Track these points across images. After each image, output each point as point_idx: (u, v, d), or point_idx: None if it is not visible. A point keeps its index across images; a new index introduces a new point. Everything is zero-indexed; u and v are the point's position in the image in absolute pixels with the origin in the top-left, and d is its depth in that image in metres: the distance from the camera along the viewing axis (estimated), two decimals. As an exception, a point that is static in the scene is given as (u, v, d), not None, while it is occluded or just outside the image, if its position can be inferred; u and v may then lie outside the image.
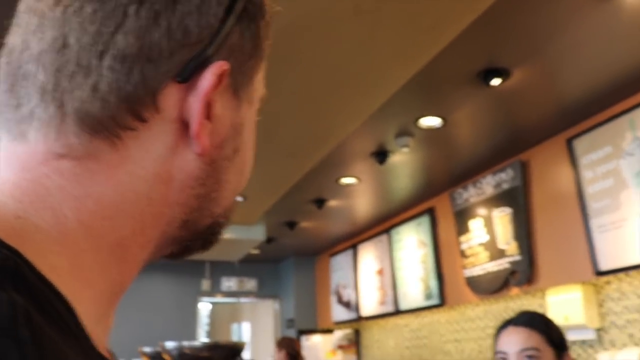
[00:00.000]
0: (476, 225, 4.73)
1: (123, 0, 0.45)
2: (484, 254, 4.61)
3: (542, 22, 2.69)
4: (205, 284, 7.99)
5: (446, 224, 5.22)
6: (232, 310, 10.54)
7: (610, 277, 3.69)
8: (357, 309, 6.74)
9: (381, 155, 4.21)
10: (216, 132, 0.48)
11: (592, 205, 3.65)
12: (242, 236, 5.87)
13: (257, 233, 5.95)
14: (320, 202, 5.36)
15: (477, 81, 3.18)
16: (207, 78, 0.46)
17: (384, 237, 6.19)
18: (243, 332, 10.45)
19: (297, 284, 8.09)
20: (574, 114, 3.71)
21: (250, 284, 8.41)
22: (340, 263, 7.27)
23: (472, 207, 4.80)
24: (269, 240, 6.54)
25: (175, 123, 0.47)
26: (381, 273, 6.22)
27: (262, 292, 8.53)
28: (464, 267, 4.85)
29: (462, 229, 4.91)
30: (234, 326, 10.67)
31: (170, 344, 2.94)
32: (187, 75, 0.46)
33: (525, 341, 1.68)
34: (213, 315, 8.93)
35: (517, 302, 4.62)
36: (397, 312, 5.89)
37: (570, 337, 3.71)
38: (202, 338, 7.99)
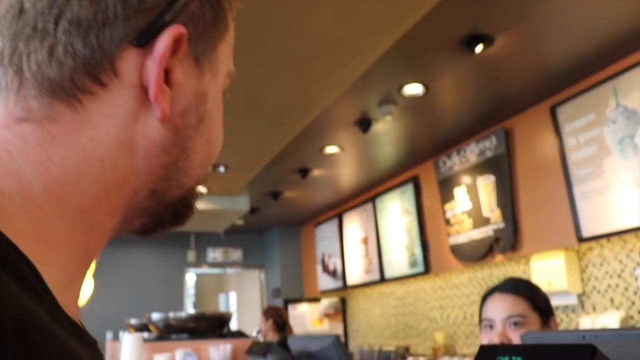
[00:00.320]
0: (460, 193, 4.74)
1: None
2: (468, 222, 4.63)
3: (526, -13, 2.65)
4: (191, 255, 7.99)
5: (430, 192, 5.22)
6: (218, 280, 10.57)
7: (592, 244, 3.73)
8: (343, 277, 6.77)
9: (364, 123, 4.18)
10: (178, 99, 0.49)
11: (576, 172, 3.65)
12: (226, 207, 5.84)
13: (241, 203, 5.92)
14: (304, 172, 5.33)
15: (460, 48, 3.14)
16: (163, 41, 0.47)
17: (368, 206, 6.20)
18: (230, 302, 10.50)
19: (282, 254, 8.11)
20: (558, 81, 3.69)
21: (236, 254, 8.42)
22: (325, 232, 7.28)
23: (456, 175, 4.80)
24: (253, 210, 6.52)
25: (136, 89, 0.48)
26: (366, 242, 6.24)
27: (248, 262, 8.54)
28: (449, 234, 4.87)
29: (446, 197, 4.92)
30: (221, 296, 10.71)
31: (156, 315, 2.94)
32: (144, 40, 0.47)
33: (511, 308, 1.68)
34: (199, 286, 8.94)
35: (501, 269, 4.66)
36: (383, 280, 5.92)
37: (553, 302, 3.75)
38: (189, 309, 8.00)
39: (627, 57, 3.37)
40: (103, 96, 0.47)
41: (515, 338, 1.65)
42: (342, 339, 6.96)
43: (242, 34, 2.99)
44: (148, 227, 0.54)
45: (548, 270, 3.94)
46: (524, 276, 4.39)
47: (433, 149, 4.95)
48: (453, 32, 3.02)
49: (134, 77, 0.47)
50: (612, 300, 3.69)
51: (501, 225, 4.28)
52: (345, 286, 6.75)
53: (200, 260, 8.17)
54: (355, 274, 6.49)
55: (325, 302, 7.24)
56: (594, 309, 3.82)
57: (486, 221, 4.43)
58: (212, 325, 2.96)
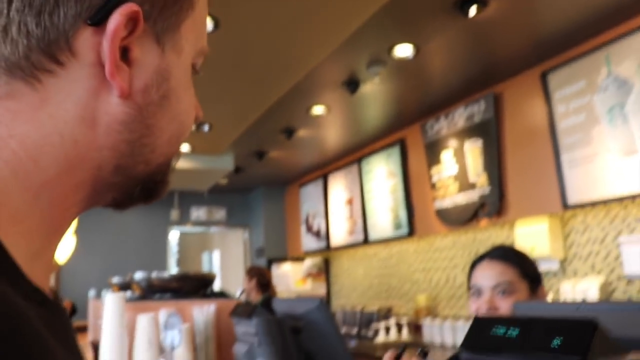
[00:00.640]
0: (447, 157, 4.72)
1: None
2: (454, 186, 4.62)
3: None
4: (175, 214, 7.94)
5: (416, 156, 5.20)
6: (202, 239, 10.57)
7: (576, 210, 3.74)
8: (327, 238, 6.78)
9: (352, 84, 4.11)
10: (138, 76, 0.51)
11: (564, 139, 3.64)
12: (210, 166, 5.78)
13: (225, 163, 5.87)
14: (289, 132, 5.27)
15: (453, 10, 3.07)
16: (115, 19, 0.47)
17: (354, 168, 6.17)
18: (214, 261, 10.52)
19: (266, 214, 8.10)
20: (550, 47, 3.64)
21: (220, 213, 8.39)
22: (310, 193, 7.27)
23: (443, 139, 4.78)
24: (238, 170, 6.47)
25: (95, 67, 0.49)
26: (351, 203, 6.24)
27: (232, 222, 8.53)
28: (434, 198, 4.87)
29: (432, 160, 4.90)
30: (205, 255, 10.73)
31: (138, 275, 2.91)
32: (98, 19, 0.47)
33: (499, 275, 1.67)
34: (183, 244, 8.93)
35: (485, 233, 4.68)
36: (367, 241, 5.94)
37: (535, 268, 3.78)
38: (173, 268, 8.00)
39: (621, 24, 3.32)
40: (62, 74, 0.48)
41: (503, 306, 1.64)
42: (325, 299, 7.03)
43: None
44: (119, 201, 0.56)
45: (531, 236, 3.96)
46: (507, 241, 4.42)
47: (421, 112, 4.91)
48: (447, -7, 2.94)
49: (91, 56, 0.48)
50: (593, 266, 3.73)
51: (487, 190, 4.28)
52: (329, 247, 6.77)
53: (183, 219, 8.13)
54: (339, 235, 6.50)
55: (309, 262, 7.28)
56: (575, 274, 3.86)
57: (472, 186, 4.42)
58: (195, 286, 2.94)
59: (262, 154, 6.07)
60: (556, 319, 0.90)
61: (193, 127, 0.63)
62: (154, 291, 2.88)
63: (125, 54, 0.49)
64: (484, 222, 4.40)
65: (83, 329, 4.37)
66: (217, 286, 5.02)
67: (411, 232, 5.24)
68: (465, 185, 4.49)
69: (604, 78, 3.38)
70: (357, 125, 5.36)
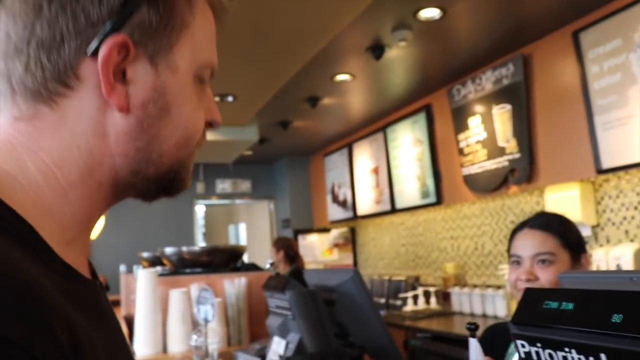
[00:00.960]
0: (474, 123, 4.62)
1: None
2: (482, 152, 4.53)
3: None
4: (200, 187, 7.96)
5: (443, 122, 5.10)
6: (228, 212, 10.61)
7: (609, 175, 3.64)
8: (353, 208, 6.75)
9: (377, 50, 4.02)
10: (135, 93, 0.61)
11: (597, 101, 3.52)
12: (234, 137, 5.75)
13: (250, 134, 5.83)
14: (314, 101, 5.21)
15: (482, -31, 2.96)
16: (103, 49, 0.58)
17: (379, 136, 6.09)
18: (240, 233, 10.57)
19: (291, 184, 8.08)
20: (582, 5, 3.51)
21: (245, 185, 8.39)
22: (335, 162, 7.22)
23: (470, 104, 4.67)
24: (262, 140, 6.43)
25: (98, 88, 0.60)
26: (377, 172, 6.18)
27: (257, 193, 8.53)
28: (462, 165, 4.79)
29: (460, 126, 4.80)
30: (231, 228, 10.78)
31: (169, 250, 2.91)
32: (94, 50, 0.58)
33: (539, 245, 1.62)
34: (209, 217, 8.97)
35: (514, 200, 4.60)
36: (394, 210, 5.89)
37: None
38: (200, 241, 8.06)
39: (658, -23, 3.18)
40: (73, 96, 0.60)
41: (543, 276, 1.59)
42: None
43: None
44: (141, 195, 0.68)
45: (562, 202, 3.87)
46: (537, 208, 4.34)
47: (447, 76, 4.80)
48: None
49: (94, 79, 0.59)
50: (626, 233, 3.65)
51: (517, 155, 4.19)
52: (355, 216, 6.74)
53: (209, 192, 8.15)
54: (366, 204, 6.46)
55: (335, 232, 7.26)
56: (608, 241, 3.78)
57: (501, 151, 4.33)
58: (225, 259, 2.94)
59: (286, 123, 6.03)
60: (615, 292, 0.84)
61: (215, 128, 0.73)
62: (184, 265, 2.88)
63: (123, 75, 0.60)
64: (513, 188, 4.31)
65: (116, 304, 4.43)
66: (244, 258, 5.03)
67: (439, 200, 5.18)
68: (494, 151, 4.40)
69: (641, 35, 3.25)
70: (382, 92, 5.27)
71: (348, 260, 7.20)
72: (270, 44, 3.71)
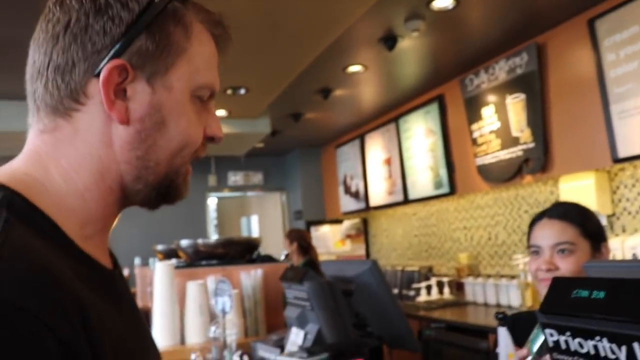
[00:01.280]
0: (488, 113, 4.60)
1: (57, 29, 0.70)
2: (496, 142, 4.51)
3: None
4: (212, 180, 7.97)
5: (456, 112, 5.08)
6: (240, 204, 10.63)
7: (625, 164, 3.61)
8: (365, 199, 6.74)
9: (390, 40, 4.00)
10: (134, 109, 0.71)
11: (614, 89, 3.49)
12: (247, 130, 5.74)
13: (262, 126, 5.82)
14: (326, 92, 5.19)
15: (497, -43, 2.93)
16: (104, 71, 0.69)
17: (391, 127, 6.07)
18: (252, 225, 10.58)
19: (303, 176, 8.08)
20: (597, -8, 3.47)
21: (257, 177, 8.40)
22: (347, 154, 7.21)
23: (483, 94, 4.64)
24: (274, 133, 6.42)
25: (103, 104, 0.70)
26: (389, 163, 6.16)
27: (269, 185, 8.53)
28: (476, 155, 4.76)
29: (473, 116, 4.78)
30: (243, 220, 10.79)
31: (185, 242, 2.92)
32: (99, 72, 0.69)
33: (559, 234, 1.60)
34: (221, 210, 8.99)
35: (528, 189, 4.58)
36: (406, 201, 5.88)
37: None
38: (212, 234, 8.07)
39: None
40: (84, 111, 0.71)
41: (564, 265, 1.58)
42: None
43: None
44: (145, 203, 0.78)
45: (577, 191, 3.85)
46: (551, 198, 4.31)
47: (460, 66, 4.77)
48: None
49: (100, 97, 0.69)
50: (643, 221, 3.62)
51: (531, 145, 4.16)
52: (367, 207, 6.73)
53: (221, 185, 8.15)
54: (378, 195, 6.45)
55: (347, 224, 7.26)
56: (624, 230, 3.75)
57: (515, 141, 4.30)
58: (240, 251, 2.94)
59: (298, 115, 6.01)
60: (648, 280, 0.83)
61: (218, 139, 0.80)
62: (200, 258, 2.89)
63: (124, 93, 0.70)
64: (527, 178, 4.29)
65: (131, 296, 4.44)
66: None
67: (452, 191, 5.16)
68: (507, 141, 4.38)
69: (658, 23, 3.21)
70: (394, 82, 5.24)
71: (360, 251, 7.20)
72: (283, 36, 3.70)
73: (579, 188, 3.85)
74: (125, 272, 5.96)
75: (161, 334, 2.47)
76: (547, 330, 0.89)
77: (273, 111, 5.76)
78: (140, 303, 3.90)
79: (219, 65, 0.80)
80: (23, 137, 0.75)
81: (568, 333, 0.86)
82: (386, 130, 6.19)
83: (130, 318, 0.77)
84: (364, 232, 7.28)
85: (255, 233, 10.19)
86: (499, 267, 4.94)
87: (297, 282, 2.00)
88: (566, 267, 1.57)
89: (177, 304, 2.51)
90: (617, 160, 3.51)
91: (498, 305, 4.43)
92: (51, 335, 0.54)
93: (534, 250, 1.66)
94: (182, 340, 2.54)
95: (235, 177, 8.24)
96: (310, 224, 7.66)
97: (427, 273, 5.58)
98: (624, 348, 0.77)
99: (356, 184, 6.96)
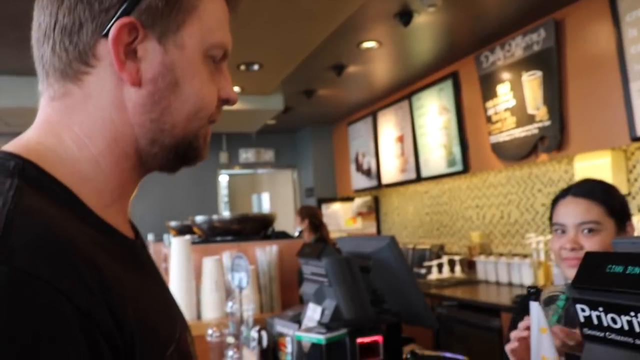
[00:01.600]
0: (503, 90, 4.55)
1: None
2: (511, 120, 4.46)
3: None
4: (223, 157, 7.97)
5: (470, 89, 5.03)
6: (251, 181, 10.63)
7: (641, 143, 3.57)
8: (377, 176, 6.73)
9: (405, 16, 3.95)
10: (145, 69, 0.68)
11: (634, 66, 3.43)
12: (259, 106, 5.72)
13: (275, 103, 5.79)
14: (339, 69, 5.15)
15: None
16: (112, 30, 0.66)
17: (404, 104, 6.03)
18: (263, 202, 10.59)
19: (315, 153, 8.06)
20: (619, -34, 3.40)
21: (268, 154, 8.39)
22: (359, 131, 7.17)
23: (499, 71, 4.59)
24: (286, 109, 6.40)
25: (113, 66, 0.67)
26: (402, 140, 6.13)
27: (280, 163, 8.52)
28: (490, 133, 4.72)
29: (488, 94, 4.73)
30: (254, 197, 10.81)
31: (200, 218, 2.92)
32: (107, 31, 0.66)
33: (584, 214, 1.57)
34: (232, 187, 9.00)
35: (542, 168, 4.55)
36: (419, 179, 5.85)
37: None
38: (223, 211, 8.09)
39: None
40: (94, 74, 0.68)
41: (588, 245, 1.55)
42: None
43: None
44: (164, 167, 0.75)
45: (592, 170, 3.81)
46: (565, 177, 4.28)
47: (475, 43, 4.71)
48: None
49: (109, 58, 0.67)
50: (660, 200, 3.59)
51: (547, 123, 4.12)
52: (379, 185, 6.72)
53: (232, 162, 8.16)
54: (390, 172, 6.43)
55: (359, 201, 7.26)
56: (639, 210, 3.72)
57: (531, 119, 4.26)
58: (256, 227, 2.94)
59: (311, 92, 5.98)
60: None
61: (231, 106, 0.79)
62: (215, 234, 2.89)
63: (135, 54, 0.67)
64: (542, 156, 4.25)
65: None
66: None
67: (466, 169, 5.13)
68: (523, 118, 4.33)
69: (681, -2, 3.15)
70: (408, 59, 5.19)
71: (372, 229, 7.20)
72: (297, 11, 3.66)
73: (595, 167, 3.81)
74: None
75: (177, 309, 2.47)
76: (579, 306, 0.88)
77: (285, 88, 5.73)
78: (154, 278, 3.93)
79: (232, 38, 0.77)
80: (35, 113, 0.73)
81: (601, 308, 0.85)
82: (399, 107, 6.15)
83: (155, 288, 0.73)
84: (375, 210, 7.27)
85: (266, 210, 10.20)
86: (511, 246, 4.93)
87: (315, 258, 1.99)
88: (591, 246, 1.55)
89: (193, 279, 2.51)
90: (635, 139, 3.47)
91: (510, 284, 4.42)
92: (67, 303, 0.52)
93: (557, 229, 1.63)
94: (199, 316, 2.55)
95: (246, 154, 8.23)
96: (322, 201, 7.65)
97: (438, 251, 5.58)
98: (660, 324, 0.76)
99: (368, 162, 6.94)
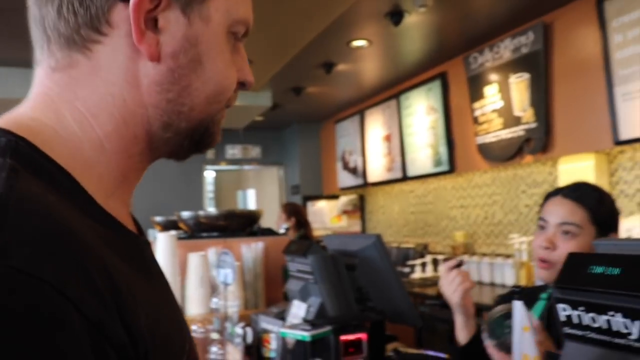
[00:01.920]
0: (491, 91, 4.58)
1: None
2: (497, 121, 4.50)
3: None
4: (209, 152, 7.95)
5: (458, 90, 5.06)
6: (237, 177, 10.61)
7: (625, 147, 3.61)
8: (363, 175, 6.75)
9: (396, 15, 3.96)
10: (166, 42, 0.59)
11: (619, 71, 3.47)
12: (247, 103, 5.71)
13: (263, 99, 5.79)
14: (328, 67, 5.16)
15: None
16: None
17: (392, 103, 6.05)
18: (249, 199, 10.58)
19: (302, 151, 8.07)
20: (607, -28, 3.44)
21: (255, 151, 8.38)
22: (346, 129, 7.19)
23: (487, 72, 4.62)
24: (274, 106, 6.40)
25: (129, 36, 0.58)
26: (388, 139, 6.16)
27: (267, 159, 8.52)
28: (477, 134, 4.76)
29: (475, 95, 4.76)
30: (240, 193, 10.79)
31: (186, 214, 2.92)
32: None
33: (567, 215, 1.58)
34: (218, 183, 8.97)
35: (527, 169, 4.59)
36: (405, 178, 5.88)
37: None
38: (209, 207, 8.06)
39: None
40: (106, 43, 0.58)
41: (564, 247, 1.54)
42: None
43: None
44: (174, 153, 0.67)
45: (576, 173, 3.86)
46: (549, 179, 4.32)
47: (464, 44, 4.74)
48: None
49: (125, 27, 0.58)
50: (639, 204, 3.64)
51: (533, 125, 4.16)
52: (365, 183, 6.74)
53: (218, 157, 8.14)
54: (376, 171, 6.46)
55: (344, 199, 7.28)
56: (620, 212, 3.76)
57: (517, 121, 4.30)
58: (242, 223, 2.94)
59: (299, 89, 5.98)
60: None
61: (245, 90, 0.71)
62: (201, 229, 2.89)
63: (155, 24, 0.59)
64: (528, 158, 4.29)
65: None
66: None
67: (452, 169, 5.16)
68: (509, 120, 4.37)
69: (666, 5, 3.19)
70: (397, 59, 5.21)
71: (356, 227, 7.22)
72: (288, 8, 3.66)
73: (578, 169, 3.86)
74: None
75: (162, 303, 2.47)
76: (560, 305, 0.90)
77: (274, 84, 5.73)
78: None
79: None
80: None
81: (582, 308, 0.87)
82: (387, 106, 6.17)
83: (161, 290, 0.65)
84: (360, 208, 7.30)
85: (251, 207, 10.19)
86: (495, 246, 4.97)
87: (301, 255, 2.00)
88: (566, 248, 1.53)
89: (178, 275, 2.51)
90: (618, 143, 3.52)
91: (492, 284, 4.46)
92: (76, 313, 0.43)
93: (541, 224, 1.65)
94: (183, 312, 2.55)
95: (233, 150, 8.21)
96: (307, 199, 7.66)
97: (422, 250, 5.62)
98: (637, 323, 0.78)
99: (355, 160, 6.96)
